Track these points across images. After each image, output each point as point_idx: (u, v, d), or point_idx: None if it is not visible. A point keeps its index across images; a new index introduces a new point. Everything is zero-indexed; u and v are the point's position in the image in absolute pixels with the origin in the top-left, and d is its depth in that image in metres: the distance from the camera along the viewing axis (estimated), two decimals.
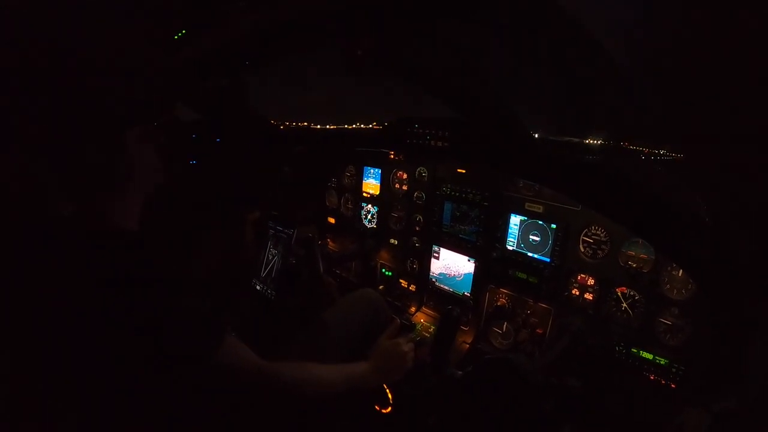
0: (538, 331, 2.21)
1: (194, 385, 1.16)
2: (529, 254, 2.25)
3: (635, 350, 1.92)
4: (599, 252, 2.04)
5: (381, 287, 2.90)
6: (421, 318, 2.69)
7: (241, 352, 1.19)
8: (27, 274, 1.10)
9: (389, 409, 2.15)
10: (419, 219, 2.78)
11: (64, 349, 1.06)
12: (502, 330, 2.38)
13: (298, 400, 1.34)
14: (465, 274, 2.50)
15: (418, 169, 2.77)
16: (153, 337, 1.05)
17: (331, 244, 3.35)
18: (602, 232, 2.02)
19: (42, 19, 1.38)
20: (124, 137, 1.15)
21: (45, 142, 1.14)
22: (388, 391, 2.12)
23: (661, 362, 1.85)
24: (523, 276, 2.25)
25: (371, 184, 3.07)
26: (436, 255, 2.64)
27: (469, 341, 2.46)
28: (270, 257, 2.21)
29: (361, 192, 3.13)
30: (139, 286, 1.05)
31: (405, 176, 2.87)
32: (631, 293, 1.95)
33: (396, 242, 2.93)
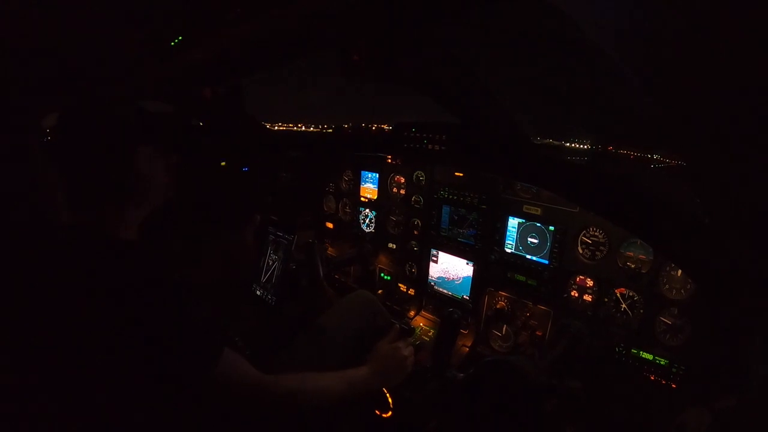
0: (537, 333, 2.22)
1: (193, 395, 1.16)
2: (528, 257, 2.26)
3: (635, 351, 1.92)
4: (598, 253, 2.05)
5: (380, 291, 2.90)
6: (420, 322, 2.69)
7: (240, 364, 1.18)
8: (25, 280, 1.10)
9: (389, 413, 2.15)
10: (417, 223, 2.78)
11: (62, 355, 1.05)
12: (501, 333, 2.38)
13: (299, 411, 1.34)
14: (464, 278, 2.51)
15: (416, 173, 2.77)
16: (152, 345, 1.04)
17: (329, 249, 3.35)
18: (600, 234, 2.03)
19: (59, 30, 1.39)
20: (135, 153, 1.16)
21: (57, 150, 1.15)
22: (388, 395, 2.11)
23: (662, 362, 1.85)
24: (522, 278, 2.26)
25: (369, 189, 3.07)
26: (435, 259, 2.64)
27: (469, 344, 2.46)
28: (270, 263, 2.21)
29: (359, 196, 3.13)
30: (137, 295, 1.05)
31: (403, 180, 2.87)
32: (630, 294, 1.96)
33: (394, 246, 2.93)
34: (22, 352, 1.08)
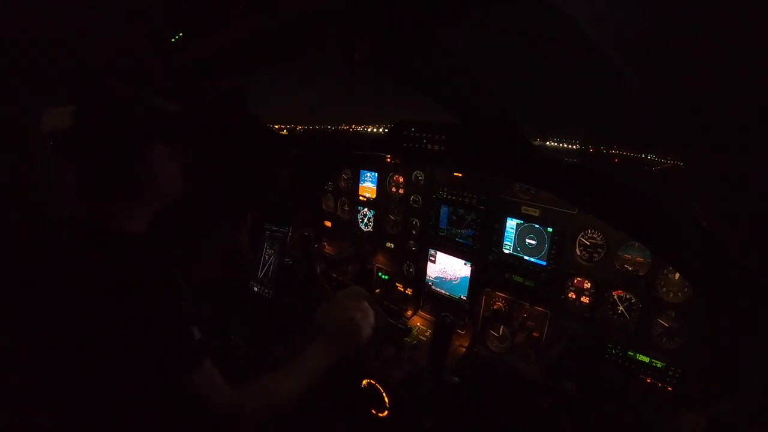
0: (534, 334, 2.21)
1: (171, 398, 1.11)
2: (526, 258, 2.26)
3: (632, 353, 1.92)
4: (595, 255, 2.05)
5: (377, 291, 2.89)
6: (417, 322, 2.69)
7: (216, 378, 1.13)
8: (31, 276, 1.11)
9: (386, 413, 2.14)
10: (416, 223, 2.78)
11: (63, 352, 1.06)
12: (498, 333, 2.38)
13: (274, 419, 1.24)
14: (461, 278, 2.50)
15: (415, 172, 2.77)
16: (144, 341, 1.05)
17: (327, 248, 3.34)
18: (598, 236, 2.03)
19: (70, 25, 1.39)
20: (148, 151, 1.17)
21: (72, 146, 1.15)
22: (384, 395, 2.11)
23: (658, 365, 1.85)
24: (520, 279, 2.26)
25: (368, 188, 3.07)
26: (433, 259, 2.64)
27: (466, 345, 2.46)
28: (266, 258, 2.21)
29: (358, 195, 3.13)
30: (137, 290, 1.05)
31: (401, 180, 2.87)
32: (627, 296, 1.95)
33: (392, 246, 2.93)
34: (26, 349, 1.09)
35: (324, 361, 1.37)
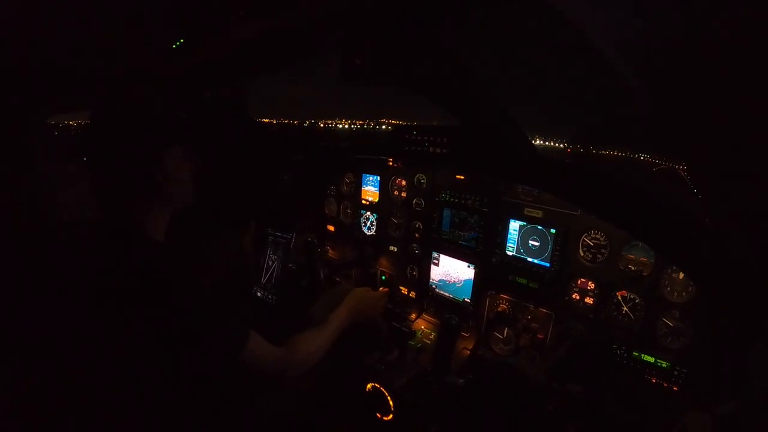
0: (539, 336, 2.21)
1: (217, 380, 1.28)
2: (529, 259, 2.25)
3: (636, 353, 1.91)
4: (599, 256, 2.05)
5: None
6: (422, 325, 2.69)
7: (262, 342, 1.31)
8: (55, 278, 1.14)
9: (390, 416, 2.14)
10: (418, 226, 2.78)
11: (98, 352, 1.10)
12: (502, 335, 2.38)
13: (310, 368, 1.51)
14: (465, 281, 2.50)
15: (417, 175, 2.77)
16: (184, 339, 1.11)
17: (330, 252, 3.35)
18: (602, 236, 2.03)
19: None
20: (164, 151, 1.19)
21: (90, 146, 1.17)
22: (389, 398, 2.11)
23: (663, 365, 1.85)
24: (523, 281, 2.25)
25: (370, 192, 3.07)
26: (436, 261, 2.64)
27: (470, 347, 2.45)
28: (270, 263, 2.21)
29: (360, 199, 3.13)
30: (170, 292, 1.10)
31: (404, 183, 2.87)
32: (632, 297, 1.95)
33: (395, 249, 2.93)
34: (60, 351, 1.12)
35: (345, 323, 1.76)
